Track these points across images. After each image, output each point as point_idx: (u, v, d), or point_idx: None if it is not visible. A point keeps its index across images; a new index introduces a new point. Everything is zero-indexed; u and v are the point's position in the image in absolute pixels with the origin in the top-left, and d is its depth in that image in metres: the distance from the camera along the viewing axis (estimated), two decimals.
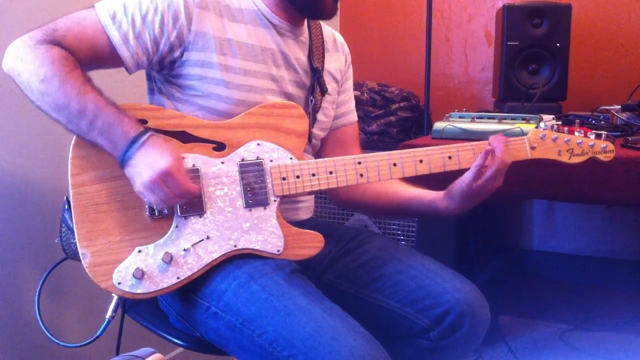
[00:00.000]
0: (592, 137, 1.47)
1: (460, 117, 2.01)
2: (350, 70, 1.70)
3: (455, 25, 2.99)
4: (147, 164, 1.24)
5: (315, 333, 1.19)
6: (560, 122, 2.04)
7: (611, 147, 1.48)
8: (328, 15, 1.48)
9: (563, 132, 1.48)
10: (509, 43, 2.40)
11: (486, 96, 2.94)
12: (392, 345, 1.44)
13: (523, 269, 2.98)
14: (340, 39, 1.67)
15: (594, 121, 2.14)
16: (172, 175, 1.24)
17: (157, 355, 1.30)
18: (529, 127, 1.86)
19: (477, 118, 1.98)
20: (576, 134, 1.48)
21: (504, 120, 1.93)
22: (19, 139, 1.73)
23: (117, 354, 1.55)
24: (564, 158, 1.47)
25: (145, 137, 1.26)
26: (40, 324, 1.40)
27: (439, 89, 2.93)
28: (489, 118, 1.98)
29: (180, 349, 2.16)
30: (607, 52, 2.73)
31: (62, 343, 1.39)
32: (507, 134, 1.88)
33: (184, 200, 1.31)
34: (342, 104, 1.67)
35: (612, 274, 2.81)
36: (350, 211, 2.55)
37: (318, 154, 1.65)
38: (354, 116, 1.71)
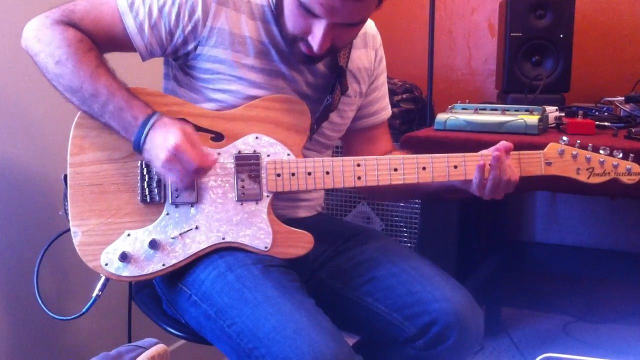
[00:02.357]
0: (619, 156, 1.39)
1: (463, 109, 2.00)
2: (382, 65, 1.62)
3: (458, 17, 2.98)
4: (159, 145, 1.24)
5: (279, 326, 1.19)
6: (563, 114, 2.05)
7: (637, 168, 1.39)
8: (300, 61, 1.41)
9: (585, 148, 1.39)
10: (512, 34, 2.39)
11: (489, 88, 2.94)
12: (380, 351, 1.44)
13: (525, 261, 2.98)
14: (372, 30, 1.57)
15: (597, 113, 2.13)
16: (184, 150, 1.22)
17: (160, 346, 1.30)
18: (532, 119, 1.86)
19: (480, 110, 1.98)
20: (601, 151, 1.39)
21: (507, 112, 1.93)
22: (22, 110, 1.73)
23: (129, 340, 1.56)
24: (583, 177, 1.39)
25: (153, 119, 1.27)
26: (37, 295, 1.42)
27: (442, 81, 2.92)
28: (492, 110, 1.97)
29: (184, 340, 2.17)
30: (610, 44, 2.72)
31: (51, 313, 1.41)
32: (509, 126, 1.88)
33: (202, 175, 1.30)
34: (373, 102, 1.62)
35: (615, 266, 2.81)
36: (366, 201, 2.52)
37: (347, 150, 1.64)
38: (385, 114, 1.66)
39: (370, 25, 1.56)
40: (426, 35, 2.42)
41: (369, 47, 1.56)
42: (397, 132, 2.53)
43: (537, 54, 2.41)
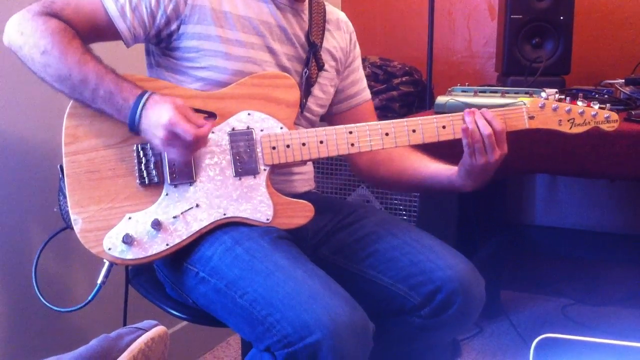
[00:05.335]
0: (596, 106, 1.44)
1: (462, 92, 2.00)
2: (357, 49, 1.69)
3: None
4: (154, 124, 1.27)
5: (293, 292, 1.21)
6: (563, 96, 2.05)
7: (615, 116, 1.44)
8: None
9: (565, 102, 1.45)
10: (512, 16, 2.38)
11: (489, 70, 2.93)
12: (387, 323, 1.46)
13: (525, 244, 2.99)
14: (343, 17, 1.66)
15: (597, 95, 2.12)
16: (178, 122, 1.25)
17: (160, 327, 1.30)
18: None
19: (480, 92, 1.97)
20: (579, 103, 1.44)
21: (506, 94, 1.92)
22: (18, 106, 1.73)
23: (125, 324, 1.56)
24: (565, 128, 1.44)
25: (144, 99, 1.29)
26: (36, 289, 1.42)
27: (442, 64, 2.91)
28: (491, 92, 1.97)
29: (184, 322, 2.18)
30: (611, 26, 2.70)
31: (54, 307, 1.41)
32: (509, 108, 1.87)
33: (202, 145, 1.31)
34: (353, 84, 1.68)
35: (614, 249, 2.82)
36: (371, 185, 2.52)
37: None
38: (367, 94, 1.72)
39: (341, 13, 1.66)
40: (426, 18, 2.41)
41: (342, 31, 1.64)
42: (396, 114, 2.53)
43: (537, 36, 2.40)
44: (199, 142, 1.29)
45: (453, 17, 2.97)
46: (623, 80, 2.18)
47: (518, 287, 2.98)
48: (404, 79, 2.59)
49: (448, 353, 2.26)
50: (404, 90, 2.58)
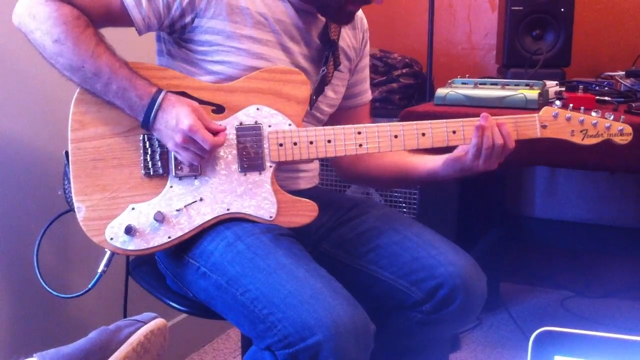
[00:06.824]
0: (610, 118, 1.42)
1: (463, 84, 1.99)
2: (367, 48, 1.67)
3: None
4: (172, 127, 1.27)
5: (295, 291, 1.20)
6: (564, 88, 2.04)
7: (628, 129, 1.42)
8: (341, 23, 1.49)
9: (578, 111, 1.42)
10: (513, 8, 2.37)
11: (489, 62, 2.92)
12: (387, 317, 1.46)
13: (524, 236, 2.99)
14: (359, 13, 1.63)
15: (597, 87, 2.12)
16: (197, 130, 1.26)
17: (159, 320, 1.30)
18: (532, 94, 1.85)
19: (480, 84, 1.97)
20: (593, 114, 1.42)
21: (507, 87, 1.92)
22: (22, 90, 1.72)
23: (125, 316, 1.56)
24: (577, 139, 1.42)
25: (159, 100, 1.29)
26: (37, 273, 1.42)
27: (442, 56, 2.90)
28: (492, 84, 1.96)
29: (184, 314, 2.18)
30: (611, 18, 2.69)
31: (55, 292, 1.41)
32: (509, 100, 1.87)
33: (214, 152, 1.33)
34: (356, 84, 1.66)
35: (614, 241, 2.82)
36: (353, 183, 2.54)
37: None
38: (368, 96, 1.70)
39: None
40: (426, 9, 2.41)
41: (357, 29, 1.62)
42: (396, 107, 2.53)
43: (538, 28, 2.39)
44: (213, 150, 1.31)
45: (453, 9, 2.96)
46: (623, 73, 2.17)
47: (517, 279, 2.98)
48: (404, 70, 2.59)
49: (447, 346, 2.26)
50: (404, 82, 2.58)
